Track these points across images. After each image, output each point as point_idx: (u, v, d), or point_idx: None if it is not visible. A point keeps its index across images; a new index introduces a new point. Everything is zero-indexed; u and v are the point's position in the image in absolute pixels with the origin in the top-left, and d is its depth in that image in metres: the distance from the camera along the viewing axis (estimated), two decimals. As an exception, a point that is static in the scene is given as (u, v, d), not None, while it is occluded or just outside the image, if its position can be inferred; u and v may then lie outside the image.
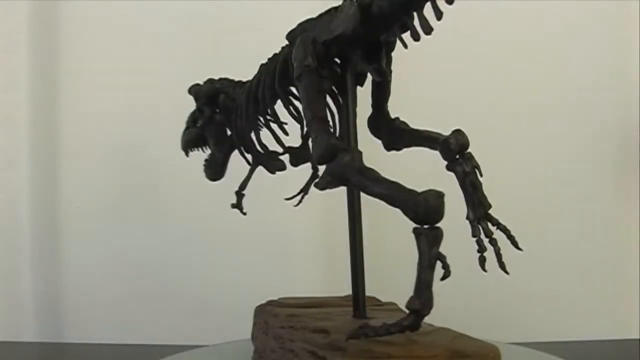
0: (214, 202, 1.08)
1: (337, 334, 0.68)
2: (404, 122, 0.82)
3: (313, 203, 1.29)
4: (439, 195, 0.61)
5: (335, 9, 0.76)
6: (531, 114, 1.32)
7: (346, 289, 0.82)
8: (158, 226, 1.42)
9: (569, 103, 1.33)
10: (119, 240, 1.44)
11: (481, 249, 0.75)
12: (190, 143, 1.05)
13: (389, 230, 1.30)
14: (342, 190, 0.83)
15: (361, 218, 0.82)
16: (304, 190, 1.00)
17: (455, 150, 0.73)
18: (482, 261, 0.77)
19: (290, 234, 1.36)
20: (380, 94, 0.81)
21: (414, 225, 0.62)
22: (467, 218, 0.75)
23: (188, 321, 1.37)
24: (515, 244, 0.76)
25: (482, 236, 0.76)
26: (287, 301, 0.91)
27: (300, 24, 0.81)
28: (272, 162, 0.96)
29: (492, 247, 0.75)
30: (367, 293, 0.81)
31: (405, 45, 0.70)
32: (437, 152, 0.74)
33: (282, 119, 0.90)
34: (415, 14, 0.67)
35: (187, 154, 1.06)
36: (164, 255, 1.42)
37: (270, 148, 0.95)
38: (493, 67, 1.32)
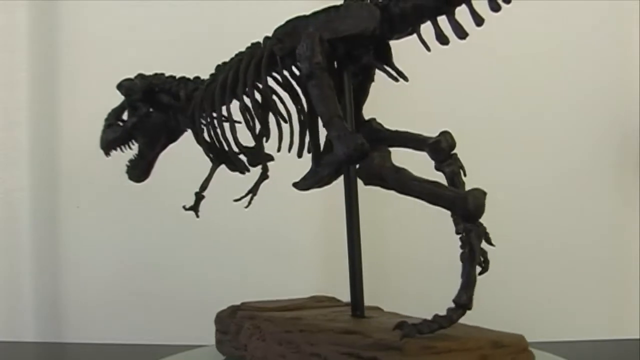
0: (215, 202, 1.07)
1: (376, 333, 0.68)
2: (379, 124, 0.83)
3: (313, 203, 1.30)
4: (484, 193, 0.64)
5: (336, 7, 0.75)
6: (531, 114, 1.32)
7: (345, 289, 0.82)
8: (158, 226, 1.42)
9: (569, 103, 1.32)
10: (119, 240, 1.44)
11: (464, 246, 0.78)
12: (115, 142, 0.99)
13: (387, 231, 1.30)
14: (341, 191, 0.83)
15: (359, 217, 0.82)
16: (253, 191, 0.96)
17: (446, 151, 0.75)
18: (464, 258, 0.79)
19: (290, 234, 1.36)
20: (361, 94, 0.82)
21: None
22: (453, 216, 0.78)
23: (188, 321, 1.37)
24: (488, 240, 0.79)
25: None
26: (260, 305, 0.89)
27: (289, 21, 0.80)
28: (240, 162, 0.92)
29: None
30: (365, 295, 0.81)
31: (428, 48, 0.71)
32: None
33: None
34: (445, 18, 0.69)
35: (108, 154, 1.01)
36: (164, 255, 1.42)
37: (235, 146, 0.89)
38: (493, 67, 1.32)
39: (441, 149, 0.75)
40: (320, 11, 0.77)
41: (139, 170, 1.01)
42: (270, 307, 0.87)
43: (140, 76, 0.98)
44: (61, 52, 1.48)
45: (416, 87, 0.80)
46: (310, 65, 0.72)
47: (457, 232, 0.76)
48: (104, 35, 1.46)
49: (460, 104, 1.30)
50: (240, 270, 1.37)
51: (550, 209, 1.30)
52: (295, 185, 0.82)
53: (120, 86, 1.00)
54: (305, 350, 0.72)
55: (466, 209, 0.64)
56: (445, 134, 0.75)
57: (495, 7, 0.65)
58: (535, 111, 1.32)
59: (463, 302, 0.63)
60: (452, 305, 0.64)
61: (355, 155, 0.68)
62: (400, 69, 0.77)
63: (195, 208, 1.01)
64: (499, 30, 0.82)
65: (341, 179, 0.83)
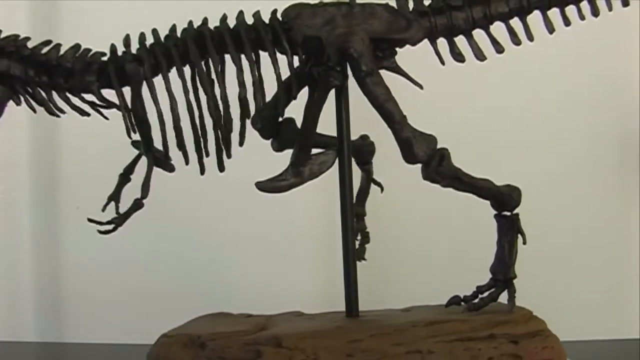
0: (215, 203, 1.07)
1: (459, 316, 0.73)
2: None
3: (313, 204, 1.30)
4: None
5: (348, 5, 0.75)
6: (530, 114, 1.32)
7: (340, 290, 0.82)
8: (158, 226, 1.42)
9: (568, 102, 1.32)
10: (119, 240, 1.43)
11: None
12: None
13: (384, 233, 1.30)
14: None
15: (354, 217, 0.83)
16: (118, 222, 0.83)
17: (373, 153, 0.85)
18: (362, 252, 0.88)
19: (290, 236, 1.36)
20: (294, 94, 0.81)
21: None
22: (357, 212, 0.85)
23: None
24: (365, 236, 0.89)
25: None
26: (218, 331, 0.80)
27: (293, 7, 0.78)
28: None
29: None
30: (362, 297, 0.82)
31: (442, 62, 0.74)
32: None
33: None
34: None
35: None
36: (164, 255, 1.42)
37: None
38: (491, 67, 1.31)
39: (370, 151, 0.83)
40: (328, 4, 0.76)
41: None
42: (243, 330, 0.79)
43: None
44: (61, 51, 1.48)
45: (412, 90, 0.80)
46: (370, 63, 0.73)
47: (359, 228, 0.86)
48: (105, 35, 1.45)
49: (458, 105, 1.30)
50: (241, 271, 1.37)
51: (550, 209, 1.30)
52: (262, 187, 0.81)
53: None
54: (394, 352, 0.69)
55: (515, 199, 0.77)
56: (367, 137, 0.84)
57: (550, 29, 0.81)
58: (534, 111, 1.32)
59: (514, 276, 0.78)
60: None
61: (432, 155, 0.72)
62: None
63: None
64: (498, 31, 0.82)
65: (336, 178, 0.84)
